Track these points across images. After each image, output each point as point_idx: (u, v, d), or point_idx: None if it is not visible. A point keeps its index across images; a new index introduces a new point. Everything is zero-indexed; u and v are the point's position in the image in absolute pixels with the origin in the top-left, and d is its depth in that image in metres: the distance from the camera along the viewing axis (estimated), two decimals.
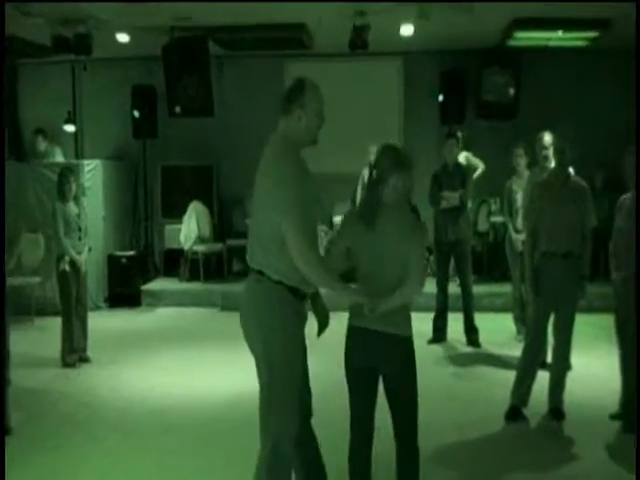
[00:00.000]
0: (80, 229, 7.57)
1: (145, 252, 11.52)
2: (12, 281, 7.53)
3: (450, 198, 7.92)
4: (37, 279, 9.67)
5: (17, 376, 6.40)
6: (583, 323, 6.10)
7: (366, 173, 10.18)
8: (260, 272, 3.55)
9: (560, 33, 9.40)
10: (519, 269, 7.48)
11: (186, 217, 10.90)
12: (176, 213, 11.07)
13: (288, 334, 3.57)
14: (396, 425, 3.71)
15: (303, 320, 3.67)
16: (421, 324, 8.23)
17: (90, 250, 7.85)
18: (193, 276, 10.87)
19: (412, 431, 3.71)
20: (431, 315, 8.09)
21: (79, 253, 7.50)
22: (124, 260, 10.66)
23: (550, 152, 6.55)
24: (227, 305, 10.00)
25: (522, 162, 7.83)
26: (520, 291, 7.69)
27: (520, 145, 7.90)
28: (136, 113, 11.23)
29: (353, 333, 3.75)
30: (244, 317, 3.68)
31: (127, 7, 8.44)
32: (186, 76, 10.19)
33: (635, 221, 5.23)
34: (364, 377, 3.72)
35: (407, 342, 3.71)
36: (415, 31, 9.44)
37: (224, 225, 11.77)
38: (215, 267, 11.34)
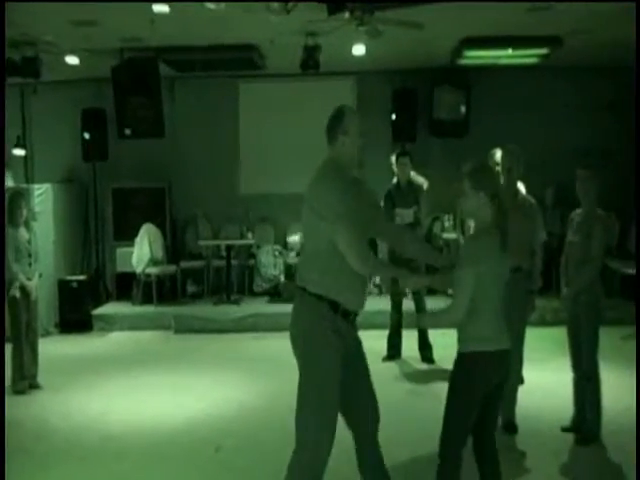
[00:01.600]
0: (30, 255, 7.44)
1: (96, 276, 11.35)
2: None
3: (403, 215, 7.95)
4: None
5: None
6: (535, 337, 6.16)
7: None
8: (303, 288, 3.81)
9: (510, 51, 9.53)
10: None
11: (138, 239, 10.77)
12: (128, 236, 10.93)
13: (322, 354, 3.73)
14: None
15: (343, 338, 3.81)
16: (376, 341, 8.22)
17: (40, 276, 7.72)
18: (146, 299, 10.72)
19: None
20: (386, 332, 8.10)
21: (29, 279, 7.37)
22: (75, 284, 10.49)
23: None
24: (180, 328, 9.93)
25: None
26: None
27: (467, 163, 7.96)
28: (86, 135, 11.11)
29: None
30: (291, 332, 3.89)
31: (76, 29, 8.38)
32: (136, 97, 10.10)
33: (635, 222, 5.29)
34: None
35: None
36: (367, 51, 9.50)
37: (177, 247, 11.68)
38: (169, 289, 11.23)
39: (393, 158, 9.62)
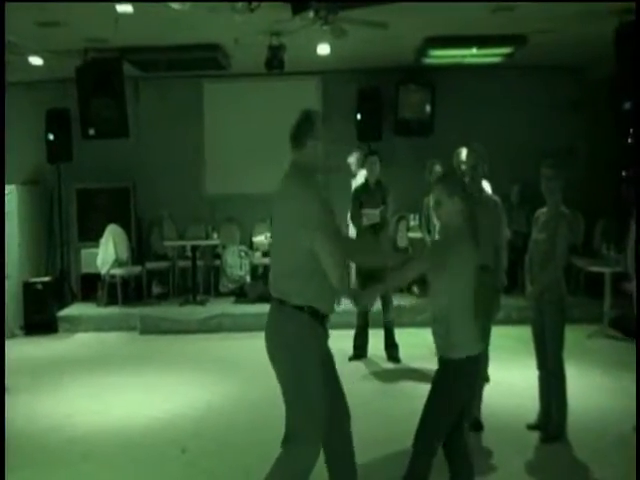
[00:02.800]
0: None
1: (61, 277, 11.23)
2: None
3: (371, 215, 7.96)
4: None
5: None
6: (501, 335, 6.20)
7: None
8: (280, 300, 3.81)
9: (474, 50, 9.60)
10: None
11: (103, 240, 10.68)
12: (93, 237, 10.84)
13: (308, 361, 3.78)
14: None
15: (320, 341, 3.92)
16: (342, 341, 8.20)
17: (7, 277, 7.63)
18: (111, 300, 10.65)
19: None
20: (352, 332, 8.11)
21: None
22: (40, 286, 10.38)
23: None
24: (146, 328, 9.89)
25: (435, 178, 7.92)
26: None
27: (433, 162, 8.04)
28: (51, 136, 10.99)
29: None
30: (268, 342, 3.90)
31: (40, 30, 8.29)
32: (100, 98, 10.02)
33: (635, 223, 5.33)
34: None
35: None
36: (332, 50, 9.53)
37: (142, 248, 11.61)
38: (134, 290, 11.16)
39: (351, 159, 9.70)
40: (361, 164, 10.38)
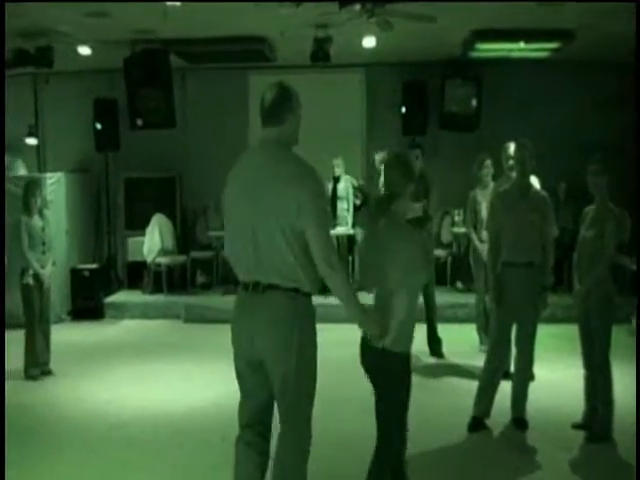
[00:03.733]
0: (44, 243, 7.51)
1: (108, 265, 11.42)
2: None
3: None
4: None
5: None
6: (546, 334, 6.15)
7: (330, 186, 10.25)
8: (295, 289, 3.54)
9: (522, 44, 9.48)
10: (483, 280, 7.47)
11: (149, 229, 10.84)
12: (139, 225, 11.01)
13: (315, 348, 3.67)
14: None
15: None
16: None
17: (54, 264, 7.79)
18: (156, 288, 10.82)
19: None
20: None
21: (43, 267, 7.44)
22: (87, 273, 10.57)
23: None
24: (190, 317, 10.00)
25: (489, 173, 7.88)
26: (484, 302, 7.66)
27: (484, 156, 7.97)
28: (98, 126, 11.16)
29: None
30: (279, 334, 3.57)
31: (88, 20, 8.40)
32: (148, 89, 10.17)
33: (636, 230, 5.29)
34: None
35: None
36: (377, 43, 9.50)
37: (187, 237, 11.73)
38: (178, 279, 11.29)
39: (377, 157, 9.70)
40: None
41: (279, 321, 3.55)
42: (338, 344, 5.98)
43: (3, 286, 5.12)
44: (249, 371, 3.69)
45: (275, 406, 3.75)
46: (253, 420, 3.80)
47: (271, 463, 3.77)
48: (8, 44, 9.15)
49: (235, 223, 3.65)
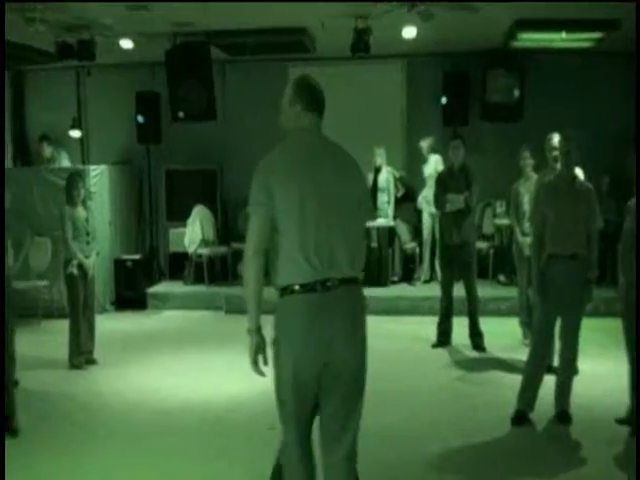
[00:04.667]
0: (88, 233, 7.61)
1: (150, 255, 11.54)
2: (19, 284, 7.62)
3: (455, 201, 7.87)
4: (44, 282, 9.74)
5: (24, 378, 6.55)
6: (589, 327, 6.08)
7: (371, 176, 10.21)
8: (355, 279, 3.38)
9: (564, 34, 9.35)
10: (526, 273, 7.41)
11: (190, 221, 10.93)
12: (180, 216, 11.11)
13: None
14: None
15: None
16: (425, 328, 8.29)
17: (98, 254, 7.90)
18: (198, 279, 10.91)
19: None
20: (435, 319, 8.07)
21: (87, 257, 7.54)
22: (130, 264, 10.70)
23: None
24: (231, 308, 10.04)
25: (529, 164, 7.81)
26: (527, 295, 7.57)
27: (527, 147, 7.87)
28: (140, 118, 11.26)
29: None
30: (356, 337, 3.38)
31: (130, 13, 8.47)
32: (189, 81, 10.24)
33: (636, 222, 5.21)
34: None
35: None
36: (418, 33, 9.43)
37: (228, 228, 11.79)
38: (219, 270, 11.36)
39: (423, 143, 9.67)
40: (432, 149, 10.38)
41: (357, 317, 3.37)
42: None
43: (3, 285, 5.16)
44: (314, 383, 3.33)
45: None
46: (306, 432, 3.49)
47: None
48: (53, 37, 9.28)
49: (301, 213, 3.28)
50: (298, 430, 3.43)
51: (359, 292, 3.40)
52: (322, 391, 3.36)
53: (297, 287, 3.27)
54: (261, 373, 3.39)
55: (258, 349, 3.38)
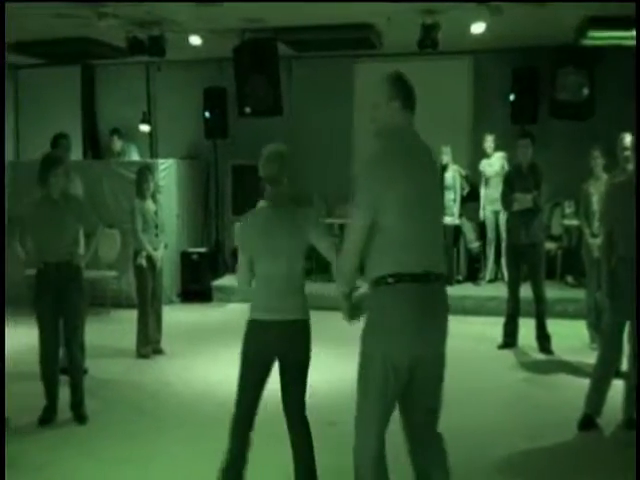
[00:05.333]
0: (157, 226, 7.75)
1: (216, 249, 11.70)
2: (89, 274, 7.78)
3: (522, 200, 7.76)
4: (113, 273, 9.96)
5: (93, 366, 6.71)
6: None
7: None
8: (441, 274, 3.43)
9: (634, 32, 9.12)
10: (595, 275, 7.28)
11: None
12: (246, 211, 11.09)
13: None
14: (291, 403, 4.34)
15: None
16: (491, 328, 8.21)
17: (166, 246, 8.04)
18: None
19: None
20: (501, 319, 7.98)
21: (155, 249, 7.68)
22: (196, 256, 10.88)
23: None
24: None
25: (599, 164, 7.67)
26: (595, 298, 7.46)
27: (597, 147, 7.73)
28: (207, 114, 11.42)
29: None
30: (444, 327, 3.46)
31: (200, 10, 8.59)
32: (256, 77, 10.31)
33: (636, 222, 5.10)
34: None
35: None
36: (486, 29, 9.34)
37: None
38: None
39: (488, 141, 9.62)
40: (496, 146, 10.29)
41: (447, 312, 3.45)
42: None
43: (3, 284, 5.25)
44: (408, 374, 3.35)
45: None
46: (385, 431, 3.47)
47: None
48: (124, 32, 9.46)
49: (411, 206, 3.31)
50: (381, 425, 3.44)
51: (445, 287, 3.47)
52: (414, 381, 3.38)
53: (404, 277, 3.29)
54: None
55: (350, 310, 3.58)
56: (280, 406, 4.31)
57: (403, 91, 3.49)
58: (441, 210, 3.71)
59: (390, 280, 3.28)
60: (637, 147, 5.28)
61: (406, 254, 3.30)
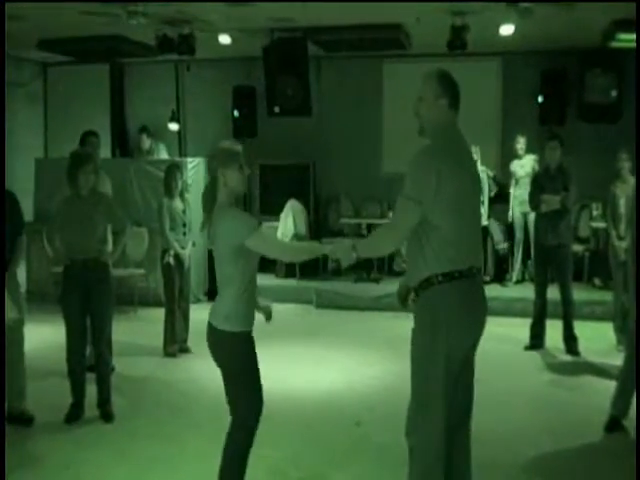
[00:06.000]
0: (185, 225, 7.75)
1: None
2: (117, 272, 7.80)
3: (550, 201, 7.73)
4: (141, 271, 9.96)
5: (120, 364, 6.71)
6: None
7: None
8: (480, 269, 3.62)
9: None
10: (622, 277, 7.24)
11: (283, 215, 11.06)
12: (273, 211, 11.25)
13: None
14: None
15: None
16: (517, 329, 8.19)
17: (194, 245, 8.03)
18: (289, 273, 11.03)
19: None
20: (527, 321, 7.95)
21: (183, 248, 7.69)
22: None
23: None
24: (321, 302, 10.15)
25: (626, 166, 7.63)
26: (622, 300, 7.40)
27: (624, 149, 7.70)
28: (236, 113, 11.48)
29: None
30: (484, 317, 3.65)
31: (230, 9, 8.65)
32: (285, 76, 10.38)
33: (636, 221, 5.06)
34: None
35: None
36: (515, 31, 9.32)
37: (319, 223, 11.89)
38: (310, 265, 11.44)
39: (519, 142, 9.59)
40: (528, 148, 10.25)
41: (486, 302, 3.62)
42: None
43: (3, 284, 5.31)
44: (461, 366, 3.54)
45: None
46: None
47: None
48: (153, 31, 9.53)
49: (461, 202, 3.44)
50: (446, 423, 3.53)
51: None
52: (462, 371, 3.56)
53: (455, 274, 3.42)
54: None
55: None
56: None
57: (450, 90, 3.57)
58: (479, 207, 3.81)
59: (441, 279, 3.40)
60: (637, 147, 5.25)
61: (456, 252, 3.42)
